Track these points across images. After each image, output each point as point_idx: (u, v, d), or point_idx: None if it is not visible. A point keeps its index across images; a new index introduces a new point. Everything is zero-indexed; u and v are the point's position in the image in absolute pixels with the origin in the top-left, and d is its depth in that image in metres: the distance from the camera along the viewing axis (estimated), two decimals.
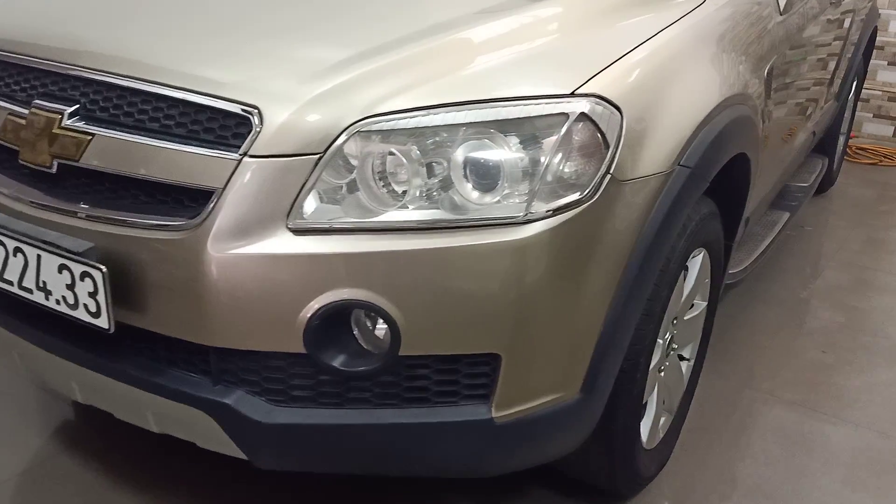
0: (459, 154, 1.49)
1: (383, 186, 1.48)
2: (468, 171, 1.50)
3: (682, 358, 2.35)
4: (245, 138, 1.44)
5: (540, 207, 1.49)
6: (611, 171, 1.55)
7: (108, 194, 1.57)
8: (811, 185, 3.70)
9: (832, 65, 3.55)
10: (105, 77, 1.57)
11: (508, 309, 1.50)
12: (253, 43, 1.66)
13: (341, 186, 1.47)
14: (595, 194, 1.54)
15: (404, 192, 1.48)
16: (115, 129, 1.54)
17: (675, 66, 1.76)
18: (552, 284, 1.53)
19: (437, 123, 1.47)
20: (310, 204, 1.45)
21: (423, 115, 1.47)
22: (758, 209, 2.89)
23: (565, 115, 1.50)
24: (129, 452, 2.22)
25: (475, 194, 1.50)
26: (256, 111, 1.44)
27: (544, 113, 1.49)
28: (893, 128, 5.68)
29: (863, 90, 5.41)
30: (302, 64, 1.56)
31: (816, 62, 3.12)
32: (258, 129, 1.43)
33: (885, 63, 5.63)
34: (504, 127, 1.49)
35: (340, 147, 1.45)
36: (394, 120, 1.46)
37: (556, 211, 1.50)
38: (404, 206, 1.48)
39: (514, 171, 1.48)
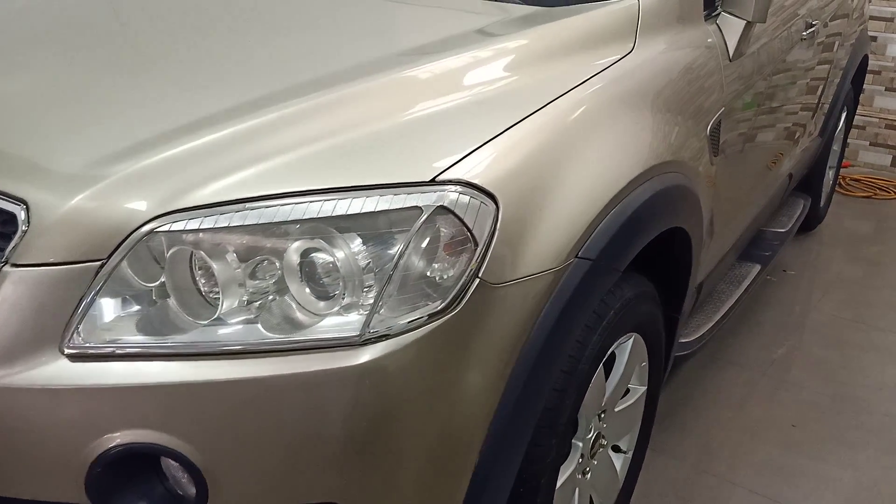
0: (288, 257, 1.21)
1: (188, 299, 1.20)
2: (298, 280, 1.22)
3: (617, 450, 2.06)
4: (10, 240, 1.16)
5: (387, 323, 1.21)
6: (479, 275, 1.27)
7: None
8: (789, 230, 3.40)
9: (813, 99, 3.25)
10: None
11: (346, 450, 1.21)
12: (54, 113, 1.38)
13: (132, 300, 1.19)
14: (459, 303, 1.26)
15: (217, 306, 1.20)
16: None
17: (575, 138, 1.48)
18: (405, 415, 1.25)
19: (258, 221, 1.19)
20: (90, 323, 1.17)
21: (241, 210, 1.19)
22: (719, 267, 2.59)
23: (418, 210, 1.22)
24: None
25: (307, 308, 1.22)
26: (23, 206, 1.17)
27: (392, 207, 1.22)
28: (892, 157, 5.36)
29: (860, 117, 5.11)
30: (100, 142, 1.28)
31: (790, 101, 2.82)
32: (24, 230, 1.16)
33: (883, 88, 5.32)
34: (342, 224, 1.21)
35: (131, 251, 1.17)
36: (201, 216, 1.18)
37: (408, 326, 1.22)
38: (216, 324, 1.20)
39: (354, 280, 1.21)
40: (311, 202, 1.20)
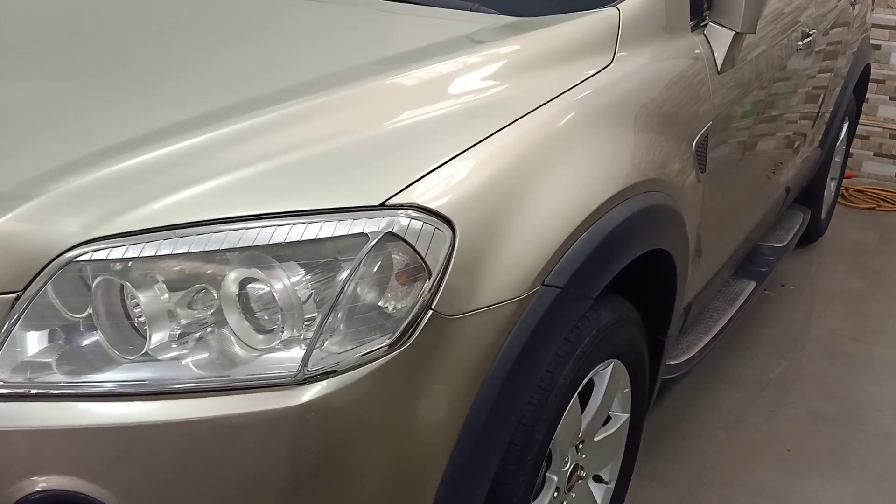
0: (226, 287, 1.12)
1: (116, 332, 1.12)
2: (237, 312, 1.13)
3: (599, 480, 1.96)
4: None
5: (331, 359, 1.13)
6: (433, 306, 1.18)
7: None
8: (787, 244, 3.29)
9: (811, 110, 3.16)
10: None
11: (287, 497, 1.12)
12: None
13: (60, 331, 1.11)
14: (411, 336, 1.17)
15: (146, 341, 1.11)
16: None
17: (545, 156, 1.39)
18: (353, 457, 1.17)
19: (188, 249, 1.10)
20: (8, 357, 1.09)
21: (170, 238, 1.10)
22: (711, 285, 2.50)
23: (364, 237, 1.13)
24: None
25: (246, 343, 1.13)
26: None
27: (335, 234, 1.13)
28: None
29: (864, 127, 5.01)
30: (29, 160, 1.20)
31: (785, 113, 2.73)
32: None
33: (887, 98, 5.21)
34: (281, 252, 1.12)
35: (52, 280, 1.09)
36: (126, 244, 1.09)
37: (355, 361, 1.13)
38: (145, 360, 1.11)
39: (294, 313, 1.12)
40: (247, 228, 1.11)
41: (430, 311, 1.17)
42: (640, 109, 1.69)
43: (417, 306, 1.16)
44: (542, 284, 1.33)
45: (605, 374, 1.75)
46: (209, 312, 1.15)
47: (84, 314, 1.14)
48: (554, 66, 1.59)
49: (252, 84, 1.43)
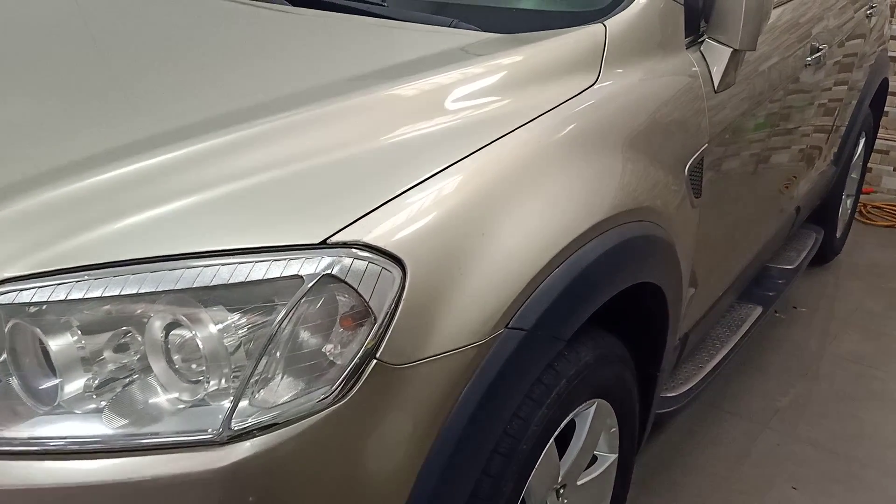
0: (149, 334, 1.02)
1: (30, 381, 1.02)
2: (162, 361, 1.03)
3: None
4: None
5: (263, 414, 1.02)
6: (377, 355, 1.07)
7: None
8: (797, 266, 3.16)
9: (824, 127, 3.03)
10: None
11: None
12: None
13: None
14: (353, 388, 1.06)
15: (60, 392, 1.01)
16: None
17: (514, 186, 1.28)
18: None
19: (103, 293, 1.00)
20: None
21: (84, 281, 1.01)
22: (712, 313, 2.37)
23: (299, 279, 1.02)
24: None
25: (169, 393, 1.03)
26: None
27: (267, 276, 1.03)
28: None
29: (883, 141, 4.84)
30: None
31: (793, 131, 2.60)
32: None
33: None
34: (206, 296, 1.02)
35: None
36: (37, 286, 1.00)
37: (291, 415, 1.03)
38: (57, 413, 1.01)
39: (220, 363, 1.02)
40: (170, 270, 1.02)
41: (374, 361, 1.07)
42: (626, 133, 1.58)
43: (360, 355, 1.06)
44: (506, 327, 1.22)
45: (588, 415, 1.64)
46: (135, 358, 1.05)
47: (1, 358, 1.04)
48: (530, 87, 1.48)
49: (202, 106, 1.33)
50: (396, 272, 1.09)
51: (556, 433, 1.50)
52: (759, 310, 2.78)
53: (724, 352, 2.49)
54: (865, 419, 2.80)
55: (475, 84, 1.44)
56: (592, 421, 1.65)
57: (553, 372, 1.42)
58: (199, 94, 1.39)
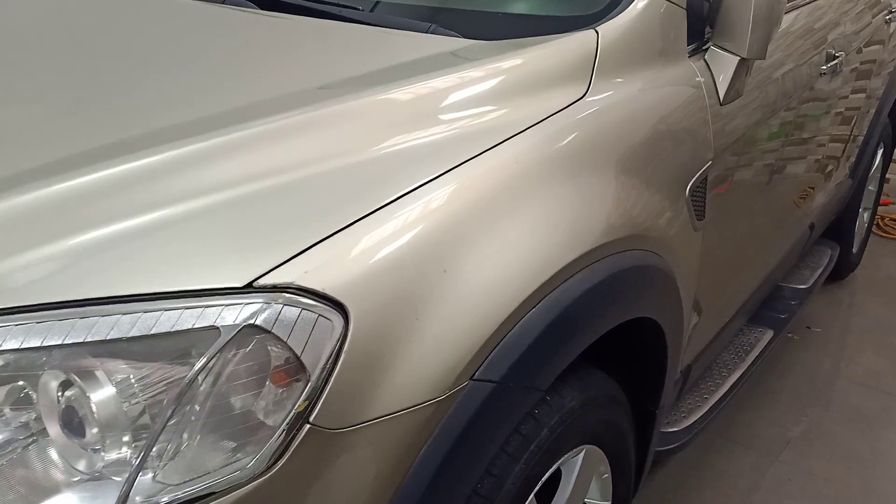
0: (42, 394, 0.87)
1: None
2: (55, 424, 0.88)
3: None
4: None
5: (169, 492, 0.86)
6: (310, 419, 0.91)
7: None
8: (811, 286, 2.98)
9: (840, 138, 2.85)
10: None
11: None
12: None
13: None
14: (283, 456, 0.90)
15: None
16: None
17: (482, 217, 1.12)
18: None
19: None
20: None
21: None
22: (717, 342, 2.20)
23: (216, 330, 0.87)
24: None
25: (63, 463, 0.87)
26: None
27: (175, 328, 0.87)
28: None
29: None
30: None
31: (807, 144, 2.43)
32: None
33: None
34: (105, 351, 0.87)
35: None
36: None
37: (202, 490, 0.87)
38: None
39: (120, 429, 0.86)
40: (60, 319, 0.86)
41: (308, 426, 0.91)
42: (618, 150, 1.42)
43: (289, 419, 0.90)
44: (472, 379, 1.06)
45: (576, 463, 1.48)
46: (32, 418, 0.90)
47: None
48: (509, 100, 1.32)
49: (128, 123, 1.18)
50: (337, 320, 0.93)
51: (539, 485, 1.34)
52: (769, 333, 2.61)
53: (731, 381, 2.32)
54: (883, 449, 2.62)
55: (445, 99, 1.28)
56: (581, 469, 1.49)
57: (532, 421, 1.26)
58: (128, 107, 1.23)
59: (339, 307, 0.94)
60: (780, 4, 1.70)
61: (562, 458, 1.40)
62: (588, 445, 1.49)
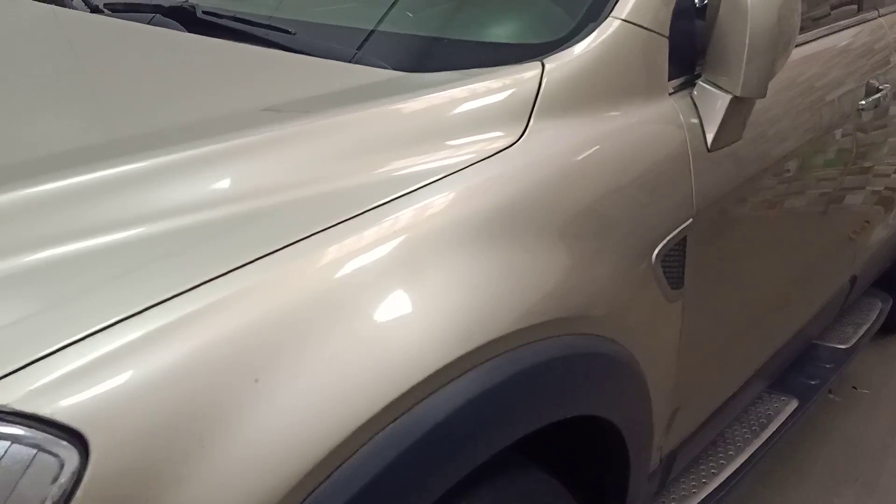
0: None
1: None
2: None
3: None
4: None
5: None
6: None
7: None
8: (853, 346, 2.62)
9: (885, 181, 2.50)
10: None
11: None
12: None
13: None
14: None
15: None
16: None
17: (337, 301, 0.88)
18: None
19: None
20: None
21: None
22: (717, 419, 1.90)
23: None
24: None
25: None
26: None
27: None
28: None
29: None
30: None
31: (839, 189, 2.11)
32: None
33: None
34: None
35: None
36: None
37: None
38: None
39: None
40: None
41: None
42: (556, 211, 1.16)
43: None
44: None
45: None
46: None
47: None
48: (411, 147, 1.08)
49: None
50: (69, 456, 0.69)
51: None
52: (794, 403, 2.27)
53: (739, 461, 2.00)
54: None
55: (328, 145, 1.04)
56: None
57: None
58: None
59: (77, 439, 0.70)
60: (789, 30, 1.42)
61: None
62: None
